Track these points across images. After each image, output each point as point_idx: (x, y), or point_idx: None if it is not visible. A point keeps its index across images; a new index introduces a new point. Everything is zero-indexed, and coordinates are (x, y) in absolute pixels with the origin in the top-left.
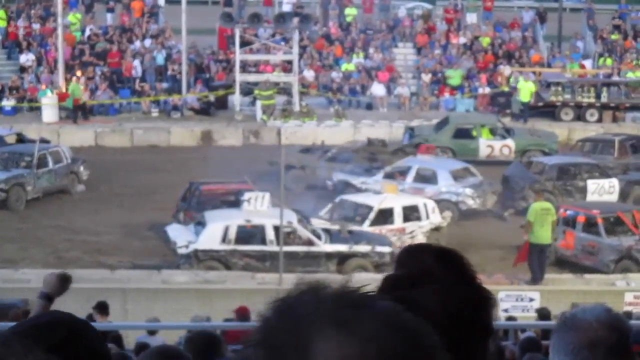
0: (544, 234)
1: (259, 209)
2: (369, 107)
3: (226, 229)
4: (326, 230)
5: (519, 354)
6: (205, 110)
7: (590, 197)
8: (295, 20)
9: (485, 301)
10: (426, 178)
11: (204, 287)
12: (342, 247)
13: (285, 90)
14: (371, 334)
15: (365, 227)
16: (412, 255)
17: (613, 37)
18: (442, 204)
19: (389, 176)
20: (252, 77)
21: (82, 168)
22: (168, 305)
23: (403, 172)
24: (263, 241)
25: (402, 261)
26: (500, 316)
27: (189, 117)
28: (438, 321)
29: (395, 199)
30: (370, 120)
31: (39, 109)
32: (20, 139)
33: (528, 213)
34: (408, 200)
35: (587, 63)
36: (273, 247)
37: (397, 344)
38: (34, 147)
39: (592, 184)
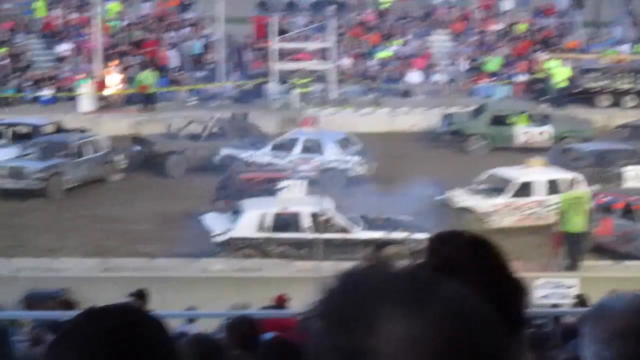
0: (577, 222)
1: (296, 196)
2: (406, 94)
3: (262, 217)
4: (364, 218)
5: (560, 341)
6: (242, 98)
7: (627, 183)
8: (331, 8)
9: (517, 291)
10: (313, 149)
11: (242, 276)
12: (378, 234)
13: (322, 78)
14: (441, 317)
15: (507, 199)
16: (443, 242)
17: None
18: (330, 172)
19: (277, 148)
20: (288, 66)
21: (121, 156)
22: (206, 293)
23: (290, 144)
24: (299, 229)
25: (433, 248)
26: (539, 303)
27: (225, 106)
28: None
29: (541, 173)
30: (406, 108)
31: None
32: (59, 128)
33: (562, 200)
34: (554, 174)
35: (625, 48)
36: (309, 235)
37: (465, 329)
38: (72, 136)
39: (629, 171)
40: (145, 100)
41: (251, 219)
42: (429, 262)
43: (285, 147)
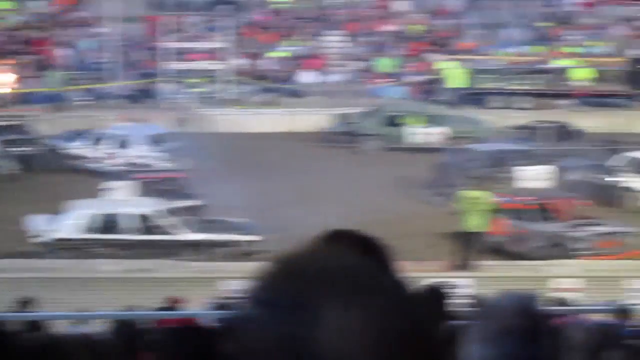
0: (474, 222)
1: (123, 197)
2: (301, 94)
3: (88, 218)
4: (193, 219)
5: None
6: (134, 98)
7: (523, 183)
8: (226, 7)
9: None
10: (122, 143)
11: (133, 276)
12: (207, 236)
13: (217, 78)
14: (385, 309)
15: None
16: (334, 240)
17: (543, 24)
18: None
19: (90, 141)
20: (182, 65)
21: None
22: (96, 295)
23: (101, 138)
24: (125, 230)
25: (327, 244)
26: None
27: (118, 105)
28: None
29: None
30: (302, 108)
31: None
32: None
33: (458, 201)
34: None
35: (518, 50)
36: (135, 236)
37: (409, 322)
38: None
39: (524, 171)
40: (50, 99)
41: (75, 220)
42: (368, 258)
43: (97, 141)
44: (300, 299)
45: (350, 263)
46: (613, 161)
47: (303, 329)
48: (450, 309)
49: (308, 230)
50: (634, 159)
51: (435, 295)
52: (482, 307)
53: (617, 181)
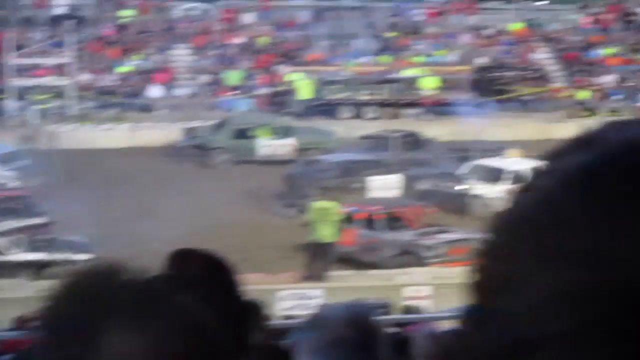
0: (326, 233)
1: None
2: (147, 109)
3: None
4: (29, 239)
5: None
6: None
7: (373, 193)
8: (70, 23)
9: (248, 310)
10: None
11: None
12: (39, 256)
13: (61, 94)
14: (167, 332)
15: (502, 186)
16: (180, 258)
17: (390, 34)
18: None
19: None
20: (26, 82)
21: None
22: None
23: None
24: None
25: (173, 264)
26: (282, 315)
27: None
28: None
29: (520, 162)
30: (148, 123)
31: None
32: None
33: (309, 212)
34: (530, 163)
35: (365, 60)
36: None
37: (191, 346)
38: None
39: (374, 181)
40: None
41: None
42: (163, 277)
43: None
44: (83, 323)
45: (138, 285)
46: (461, 169)
47: (84, 354)
48: (266, 326)
49: (152, 246)
50: (479, 167)
51: (248, 312)
52: (314, 318)
53: (465, 189)
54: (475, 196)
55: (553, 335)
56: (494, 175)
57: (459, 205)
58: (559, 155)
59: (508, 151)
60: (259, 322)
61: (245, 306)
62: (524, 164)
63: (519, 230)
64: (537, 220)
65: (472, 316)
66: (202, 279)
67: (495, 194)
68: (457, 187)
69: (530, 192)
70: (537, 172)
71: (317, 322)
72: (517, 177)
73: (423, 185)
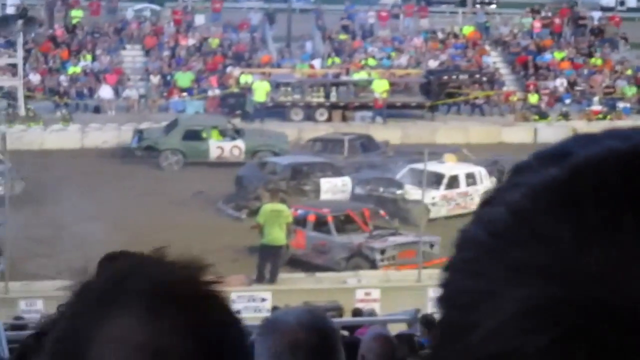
0: (276, 235)
1: None
2: (97, 110)
3: None
4: None
5: None
6: None
7: (324, 196)
8: (19, 22)
9: None
10: None
11: None
12: None
13: (10, 94)
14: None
15: (441, 191)
16: (111, 261)
17: (341, 37)
18: None
19: None
20: None
21: None
22: None
23: None
24: None
25: (101, 267)
26: None
27: None
28: None
29: (457, 167)
30: (98, 124)
31: None
32: None
33: (259, 214)
34: (468, 168)
35: (316, 63)
36: None
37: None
38: None
39: (325, 183)
40: None
41: None
42: (96, 282)
43: None
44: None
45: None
46: (400, 173)
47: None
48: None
49: (95, 249)
50: (415, 171)
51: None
52: (268, 322)
53: (402, 193)
54: (411, 201)
55: (525, 351)
56: (430, 180)
57: (397, 209)
58: (526, 169)
59: (446, 156)
60: None
61: None
62: (460, 169)
63: (488, 245)
64: (506, 235)
65: (441, 331)
66: None
67: (431, 199)
68: (396, 192)
69: (497, 206)
70: (502, 187)
71: (270, 326)
72: (453, 182)
73: (364, 189)
